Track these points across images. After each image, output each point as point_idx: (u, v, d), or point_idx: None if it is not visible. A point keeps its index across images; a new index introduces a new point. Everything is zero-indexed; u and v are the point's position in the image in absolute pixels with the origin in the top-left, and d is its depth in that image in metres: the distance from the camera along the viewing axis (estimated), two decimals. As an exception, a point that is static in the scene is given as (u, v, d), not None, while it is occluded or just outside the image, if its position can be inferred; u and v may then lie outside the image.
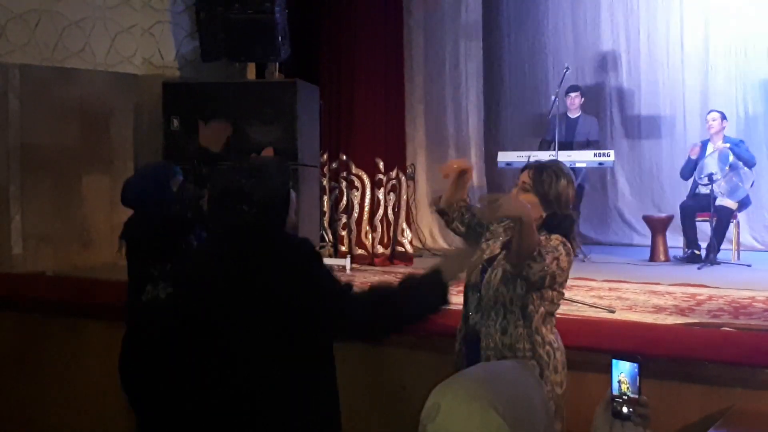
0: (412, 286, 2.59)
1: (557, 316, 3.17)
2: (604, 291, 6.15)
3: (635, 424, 1.90)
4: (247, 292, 2.42)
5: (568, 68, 6.45)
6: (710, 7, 8.68)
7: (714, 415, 3.36)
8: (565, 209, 3.06)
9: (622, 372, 1.87)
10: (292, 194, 2.67)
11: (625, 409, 1.86)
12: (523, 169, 3.15)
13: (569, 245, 3.00)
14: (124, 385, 3.43)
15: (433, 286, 2.57)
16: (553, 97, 5.84)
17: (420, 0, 8.41)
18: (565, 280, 3.11)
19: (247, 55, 6.75)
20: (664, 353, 3.69)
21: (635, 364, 1.84)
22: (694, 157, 7.78)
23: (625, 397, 1.84)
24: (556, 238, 2.99)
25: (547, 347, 3.02)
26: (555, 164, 3.15)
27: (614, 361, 1.85)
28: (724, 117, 7.82)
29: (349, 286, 2.58)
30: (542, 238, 2.95)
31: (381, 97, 7.45)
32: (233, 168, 2.62)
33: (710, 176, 7.51)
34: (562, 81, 6.23)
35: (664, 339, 4.03)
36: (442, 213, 3.34)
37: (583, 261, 7.86)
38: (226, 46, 6.71)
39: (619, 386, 1.85)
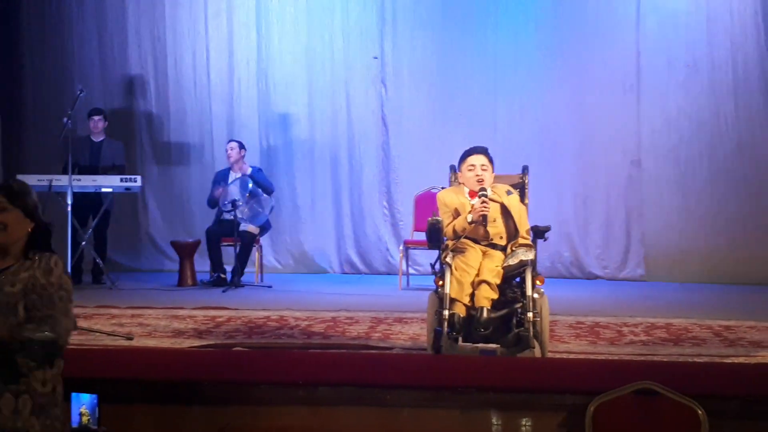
0: None
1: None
2: (126, 318, 6.08)
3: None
4: None
5: (82, 91, 6.27)
6: (233, 39, 9.10)
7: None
8: (42, 221, 2.97)
9: (83, 404, 1.82)
10: None
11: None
12: None
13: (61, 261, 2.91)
14: None
15: None
16: (65, 120, 5.62)
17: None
18: None
19: None
20: (166, 377, 3.71)
21: (94, 395, 1.81)
22: (217, 196, 8.02)
23: (85, 430, 1.80)
24: (56, 262, 2.87)
25: (51, 383, 2.80)
26: (16, 180, 3.07)
27: (73, 394, 1.80)
28: (242, 146, 8.23)
29: None
30: (41, 261, 2.85)
31: None
32: None
33: (233, 202, 7.85)
34: (75, 103, 6.03)
35: (171, 363, 4.06)
36: None
37: (111, 289, 7.70)
38: None
39: (80, 419, 1.81)
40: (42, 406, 2.76)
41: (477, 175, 4.75)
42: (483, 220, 4.59)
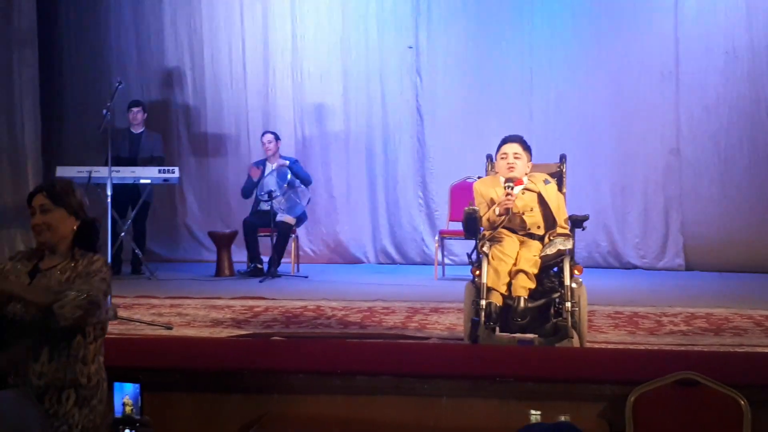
0: None
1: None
2: (165, 308, 6.14)
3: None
4: None
5: (120, 82, 6.32)
6: (268, 30, 9.13)
7: (251, 423, 3.48)
8: (89, 218, 3.05)
9: (126, 394, 1.85)
10: None
11: (127, 431, 1.85)
12: (34, 194, 3.04)
13: (109, 265, 3.00)
14: None
15: None
16: (104, 111, 5.68)
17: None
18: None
19: None
20: (205, 366, 3.75)
21: (137, 385, 1.83)
22: (255, 178, 8.11)
23: (128, 419, 1.83)
24: (98, 259, 2.96)
25: (95, 377, 2.86)
26: (62, 179, 3.17)
27: (116, 384, 1.82)
28: (278, 138, 8.27)
29: None
30: (84, 260, 2.94)
31: None
32: None
33: (270, 193, 7.89)
34: (113, 95, 6.09)
35: (210, 352, 4.10)
36: None
37: (150, 279, 7.79)
38: None
39: (123, 408, 1.83)
40: (85, 398, 2.81)
41: (508, 163, 4.72)
42: (507, 212, 4.57)
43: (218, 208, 9.23)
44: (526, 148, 4.81)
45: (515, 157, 4.73)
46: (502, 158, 4.76)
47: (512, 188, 4.60)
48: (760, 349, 4.67)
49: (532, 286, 4.44)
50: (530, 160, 4.81)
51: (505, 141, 4.82)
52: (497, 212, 4.61)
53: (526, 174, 4.77)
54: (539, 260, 4.49)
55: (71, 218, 2.99)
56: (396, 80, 8.93)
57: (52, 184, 3.04)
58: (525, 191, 4.71)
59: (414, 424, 3.58)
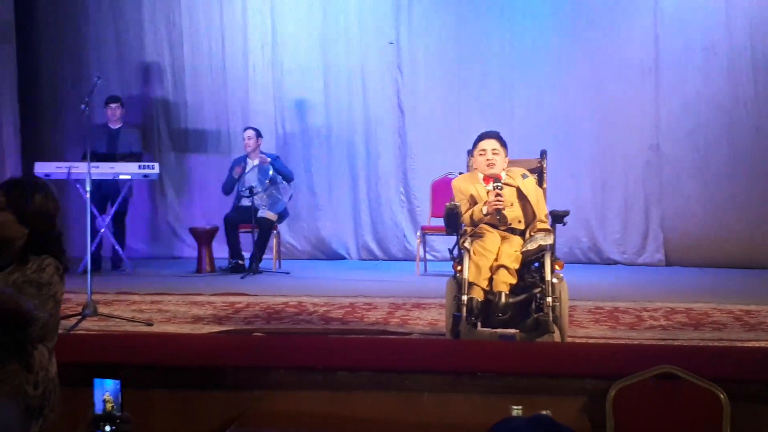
0: None
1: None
2: (145, 304, 6.12)
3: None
4: None
5: (99, 78, 6.25)
6: (248, 25, 9.09)
7: (232, 419, 3.47)
8: (47, 225, 2.84)
9: (107, 391, 1.84)
10: None
11: (108, 428, 1.84)
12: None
13: (61, 266, 2.83)
14: None
15: None
16: (83, 107, 5.62)
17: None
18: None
19: None
20: (186, 363, 3.73)
21: (117, 381, 1.82)
22: (236, 176, 8.07)
23: (109, 416, 1.82)
24: (49, 264, 2.78)
25: (50, 384, 2.76)
26: (32, 179, 2.97)
27: (96, 380, 1.81)
28: (259, 134, 8.24)
29: None
30: (35, 263, 2.77)
31: None
32: None
33: (251, 189, 7.87)
34: (92, 91, 6.04)
35: (191, 348, 4.09)
36: None
37: (130, 275, 7.75)
38: None
39: (104, 405, 1.82)
40: (33, 409, 2.68)
41: (488, 160, 4.73)
42: (497, 213, 4.58)
43: (199, 204, 9.18)
44: (503, 143, 4.81)
45: (494, 153, 4.74)
46: (481, 155, 4.76)
47: (501, 188, 4.59)
48: (739, 344, 4.70)
49: (514, 281, 4.45)
50: (507, 156, 4.82)
51: (483, 137, 4.82)
52: (484, 211, 4.61)
53: (503, 169, 4.78)
54: (520, 255, 4.50)
55: (19, 225, 2.78)
56: (377, 76, 8.91)
57: (14, 184, 2.86)
58: (504, 186, 4.71)
59: (396, 420, 3.58)
